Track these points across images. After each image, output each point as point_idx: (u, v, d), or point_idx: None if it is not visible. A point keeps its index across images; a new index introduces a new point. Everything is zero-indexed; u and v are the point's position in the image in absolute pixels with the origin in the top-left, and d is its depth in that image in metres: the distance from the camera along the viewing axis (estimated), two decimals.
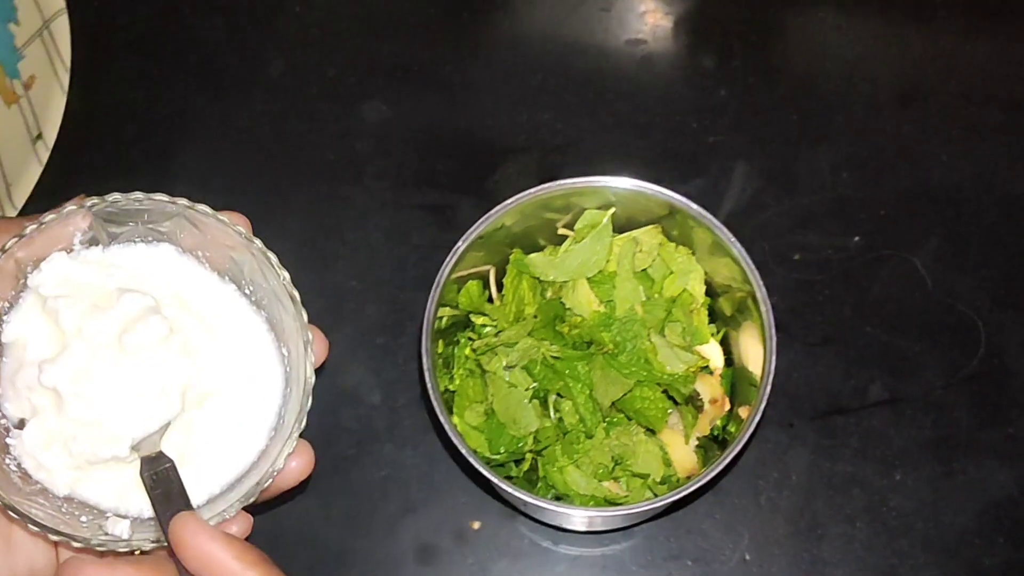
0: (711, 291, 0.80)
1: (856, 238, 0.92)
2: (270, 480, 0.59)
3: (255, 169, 0.96)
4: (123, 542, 0.57)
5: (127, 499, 0.59)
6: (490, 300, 0.81)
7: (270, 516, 0.83)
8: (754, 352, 0.75)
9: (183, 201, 0.59)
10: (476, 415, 0.77)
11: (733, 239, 0.74)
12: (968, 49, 0.99)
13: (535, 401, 0.76)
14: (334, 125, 0.97)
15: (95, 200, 0.58)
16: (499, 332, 0.77)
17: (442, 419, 0.71)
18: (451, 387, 0.79)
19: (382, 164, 0.96)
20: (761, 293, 0.73)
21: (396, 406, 0.88)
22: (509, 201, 0.75)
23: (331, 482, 0.85)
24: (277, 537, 0.85)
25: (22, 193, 0.90)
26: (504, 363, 0.76)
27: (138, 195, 0.59)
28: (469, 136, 0.97)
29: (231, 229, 0.60)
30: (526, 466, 0.78)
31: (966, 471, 0.85)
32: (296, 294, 0.60)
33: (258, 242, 0.60)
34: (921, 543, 0.83)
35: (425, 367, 0.72)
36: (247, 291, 0.63)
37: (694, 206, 0.75)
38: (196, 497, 0.59)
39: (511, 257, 0.79)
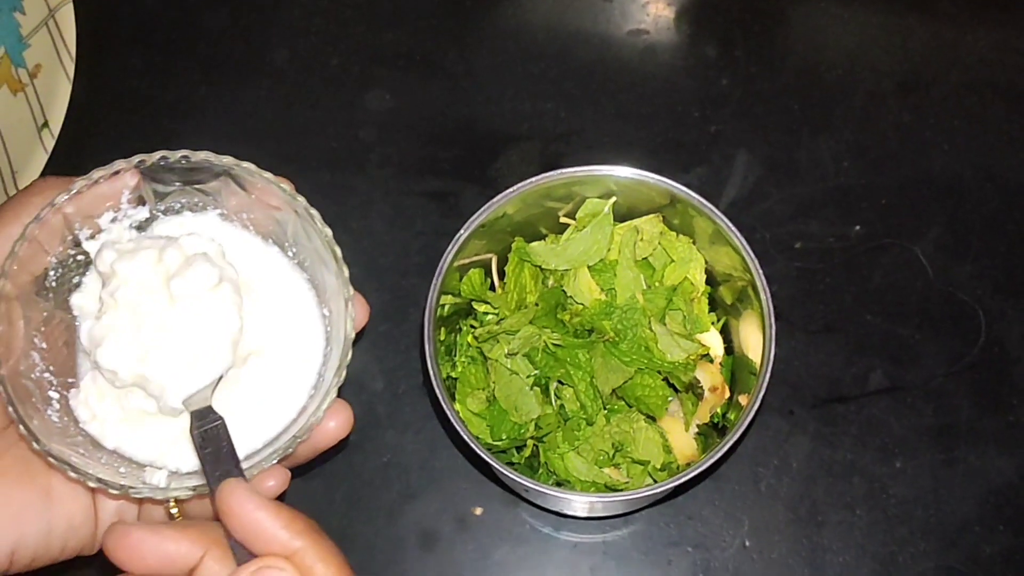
0: (711, 279, 0.81)
1: (857, 227, 0.92)
2: (307, 433, 0.59)
3: (258, 157, 0.94)
4: (160, 490, 0.57)
5: (166, 455, 0.60)
6: (492, 288, 0.82)
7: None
8: (754, 340, 0.76)
9: (228, 159, 0.60)
10: (478, 402, 0.78)
11: (733, 228, 0.75)
12: (970, 39, 0.99)
13: (536, 389, 0.77)
14: (338, 113, 0.98)
15: (142, 157, 0.59)
16: (501, 320, 0.78)
17: (445, 406, 0.71)
18: (453, 374, 0.79)
19: (385, 152, 0.96)
20: (761, 281, 0.74)
21: (398, 392, 0.88)
22: (511, 189, 0.76)
23: (333, 467, 0.86)
24: None
25: (28, 181, 0.91)
26: (506, 350, 0.76)
27: (184, 152, 0.60)
28: (472, 124, 0.97)
29: (275, 186, 0.61)
30: (527, 452, 0.78)
31: (966, 459, 0.85)
32: (339, 251, 0.60)
33: (302, 199, 0.61)
34: (921, 531, 0.84)
35: (428, 354, 0.72)
36: (290, 253, 0.64)
37: (694, 195, 0.75)
38: (260, 440, 0.60)
39: (513, 245, 0.79)
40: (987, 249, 0.91)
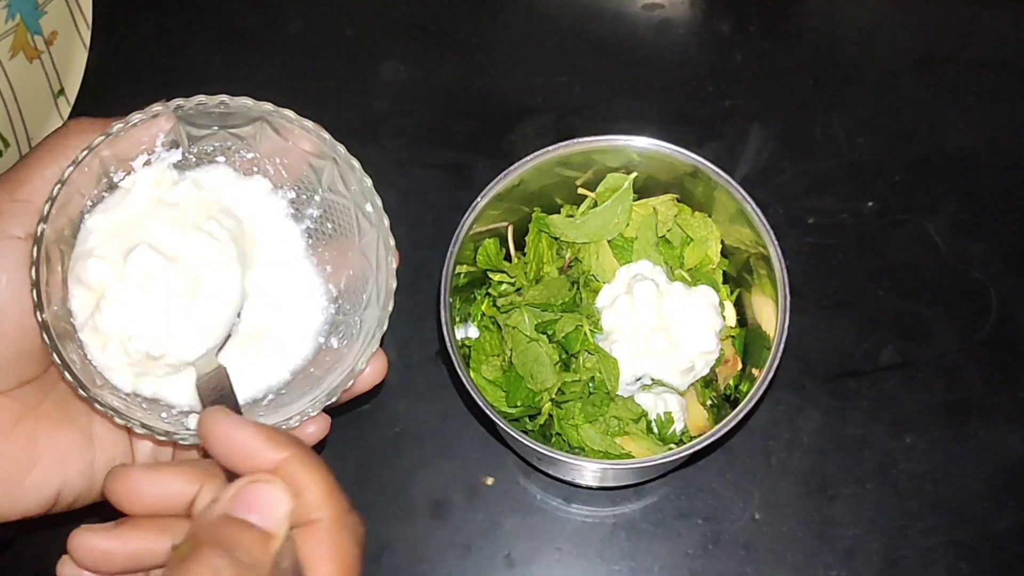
0: (726, 252, 0.81)
1: (871, 203, 0.92)
2: (352, 380, 0.59)
3: None
4: (195, 436, 0.57)
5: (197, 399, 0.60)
6: (507, 258, 0.82)
7: None
8: (767, 313, 0.76)
9: (268, 105, 0.60)
10: (492, 369, 0.78)
11: (749, 200, 0.75)
12: (985, 16, 0.99)
13: (558, 365, 0.77)
14: (352, 84, 0.98)
15: (180, 102, 0.59)
16: (518, 289, 0.78)
17: (460, 371, 0.71)
18: (467, 342, 0.79)
19: (399, 123, 0.96)
20: (776, 253, 0.74)
21: (411, 363, 0.89)
22: (529, 157, 0.76)
23: (345, 437, 0.86)
24: None
25: None
26: (533, 324, 0.76)
27: (223, 98, 0.59)
28: (486, 96, 0.97)
29: (316, 135, 0.60)
30: (542, 419, 0.79)
31: (977, 434, 0.86)
32: (379, 200, 0.60)
33: (341, 147, 0.60)
34: (931, 505, 0.84)
35: (443, 320, 0.72)
36: (324, 197, 0.63)
37: (711, 165, 0.75)
38: (263, 386, 0.61)
39: (533, 216, 0.79)
40: (1000, 226, 0.91)
